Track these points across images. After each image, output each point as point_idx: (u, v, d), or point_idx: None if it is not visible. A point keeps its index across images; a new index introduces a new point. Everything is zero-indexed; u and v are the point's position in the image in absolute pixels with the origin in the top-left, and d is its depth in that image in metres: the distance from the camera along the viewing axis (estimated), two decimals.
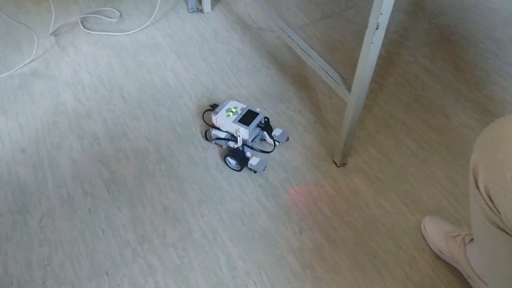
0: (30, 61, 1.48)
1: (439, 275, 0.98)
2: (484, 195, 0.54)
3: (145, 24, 1.62)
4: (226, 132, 1.17)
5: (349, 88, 1.00)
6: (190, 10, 1.69)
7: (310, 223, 1.07)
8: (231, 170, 1.17)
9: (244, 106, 1.17)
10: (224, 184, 1.15)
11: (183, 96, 1.38)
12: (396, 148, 1.24)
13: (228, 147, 1.19)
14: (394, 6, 0.93)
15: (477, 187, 0.55)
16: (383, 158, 1.21)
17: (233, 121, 1.13)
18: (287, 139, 1.20)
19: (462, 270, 0.94)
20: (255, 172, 1.15)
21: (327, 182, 1.16)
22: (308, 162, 1.20)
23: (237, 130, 1.12)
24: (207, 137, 1.24)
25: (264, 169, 1.13)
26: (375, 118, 1.32)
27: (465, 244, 0.92)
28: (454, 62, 1.51)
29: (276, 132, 1.20)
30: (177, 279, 0.97)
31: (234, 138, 1.16)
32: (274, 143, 1.18)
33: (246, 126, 1.11)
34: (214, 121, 1.18)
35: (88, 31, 1.60)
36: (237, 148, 1.15)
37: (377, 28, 0.83)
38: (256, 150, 1.17)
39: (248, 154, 1.15)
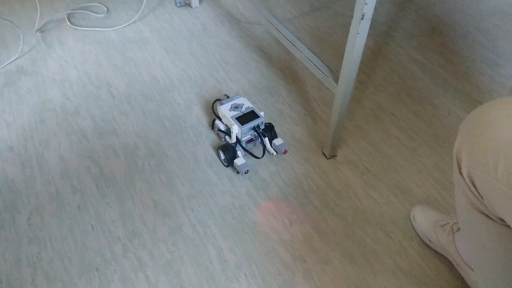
0: (16, 58, 1.46)
1: (428, 264, 0.99)
2: (468, 181, 0.54)
3: (133, 19, 1.60)
4: (225, 125, 1.17)
5: (336, 80, 1.00)
6: (178, 5, 1.67)
7: (300, 215, 1.07)
8: (221, 164, 1.17)
9: (250, 105, 1.16)
10: (214, 178, 1.15)
11: (172, 91, 1.37)
12: (385, 139, 1.24)
13: (225, 140, 1.19)
14: None
15: (461, 173, 0.56)
16: (372, 149, 1.22)
17: (231, 116, 1.13)
18: (285, 151, 1.16)
19: (450, 258, 0.95)
20: (238, 172, 1.14)
21: (316, 174, 1.16)
22: (298, 155, 1.20)
23: (231, 126, 1.11)
24: (213, 125, 1.23)
25: (245, 172, 1.12)
26: (364, 110, 1.33)
27: (453, 233, 0.92)
28: (442, 53, 1.51)
29: (277, 141, 1.17)
30: (168, 273, 0.97)
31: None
32: (272, 151, 1.16)
33: (240, 125, 1.10)
34: (218, 111, 1.18)
35: (75, 27, 1.58)
36: (231, 144, 1.14)
37: (362, 18, 0.83)
38: (248, 152, 1.15)
39: (239, 153, 1.14)
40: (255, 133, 1.14)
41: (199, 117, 1.29)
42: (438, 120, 1.30)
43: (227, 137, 1.17)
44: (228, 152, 1.12)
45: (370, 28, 0.81)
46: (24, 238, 1.03)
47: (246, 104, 1.16)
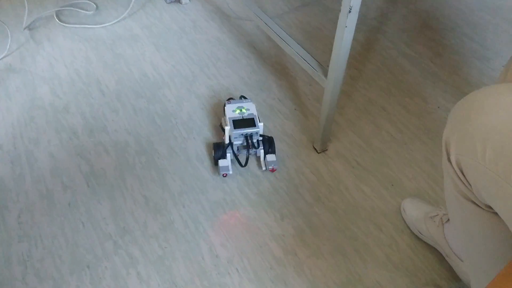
0: (4, 56, 1.45)
1: (419, 256, 1.00)
2: (456, 168, 0.55)
3: (122, 16, 1.60)
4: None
5: (325, 73, 1.00)
6: (168, 1, 1.67)
7: (291, 210, 1.08)
8: (212, 159, 1.17)
9: (255, 113, 1.12)
10: (205, 174, 1.14)
11: (162, 88, 1.37)
12: (376, 133, 1.25)
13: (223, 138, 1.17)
14: None
15: (449, 160, 0.56)
16: (363, 143, 1.22)
17: (230, 117, 1.11)
18: (272, 170, 1.12)
19: (440, 250, 0.96)
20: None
21: (308, 168, 1.16)
22: (289, 149, 1.20)
23: (225, 126, 1.10)
24: (221, 122, 1.22)
25: (223, 175, 1.11)
26: (355, 104, 1.33)
27: (443, 224, 0.93)
28: (432, 47, 1.52)
29: (270, 157, 1.13)
30: (159, 269, 0.97)
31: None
32: (263, 165, 1.14)
33: (233, 128, 1.09)
34: (224, 108, 1.17)
35: (64, 24, 1.57)
36: (224, 143, 1.13)
37: (350, 11, 0.83)
38: (235, 156, 1.12)
39: (228, 155, 1.13)
40: (243, 139, 1.10)
41: (190, 113, 1.29)
42: (428, 113, 1.30)
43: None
44: (218, 150, 1.12)
45: (360, 23, 0.82)
46: (14, 236, 1.02)
47: (251, 111, 1.13)
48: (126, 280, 0.95)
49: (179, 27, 1.58)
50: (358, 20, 0.88)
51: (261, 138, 1.13)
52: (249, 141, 1.10)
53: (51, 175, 1.14)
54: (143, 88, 1.36)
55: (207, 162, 1.17)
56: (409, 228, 1.04)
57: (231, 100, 1.17)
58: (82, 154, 1.19)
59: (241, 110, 1.13)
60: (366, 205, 1.09)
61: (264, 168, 1.14)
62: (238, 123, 1.10)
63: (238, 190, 1.11)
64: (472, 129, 0.51)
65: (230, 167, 1.12)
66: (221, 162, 1.12)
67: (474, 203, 0.57)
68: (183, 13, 1.64)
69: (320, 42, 1.52)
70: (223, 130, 1.13)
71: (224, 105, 1.16)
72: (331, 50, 0.95)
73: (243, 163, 1.12)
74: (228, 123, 1.10)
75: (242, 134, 1.09)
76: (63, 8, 1.63)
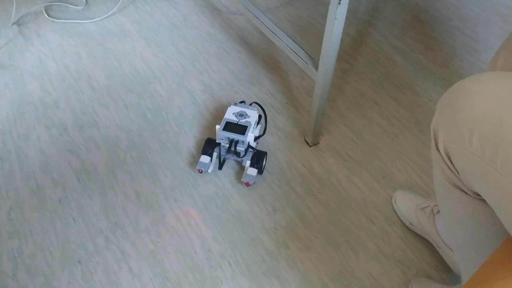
0: None
1: (410, 247, 1.00)
2: (444, 156, 0.55)
3: (112, 11, 1.58)
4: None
5: (316, 66, 1.00)
6: None
7: (283, 203, 1.08)
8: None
9: (252, 123, 1.09)
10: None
11: (153, 83, 1.36)
12: (367, 126, 1.25)
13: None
14: None
15: (438, 148, 0.56)
16: (354, 136, 1.23)
17: (226, 118, 1.10)
18: (247, 184, 1.07)
19: (431, 240, 0.96)
20: None
21: (299, 162, 1.16)
22: (281, 143, 1.20)
23: (217, 125, 1.10)
24: None
25: (199, 171, 1.10)
26: (346, 98, 1.33)
27: (433, 215, 0.94)
28: (423, 40, 1.53)
29: (250, 170, 1.08)
30: (151, 264, 0.97)
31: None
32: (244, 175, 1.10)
33: (222, 128, 1.08)
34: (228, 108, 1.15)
35: (53, 19, 1.55)
36: (215, 141, 1.13)
37: (339, 3, 0.83)
38: (218, 156, 1.11)
39: (215, 154, 1.12)
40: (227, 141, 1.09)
41: (181, 108, 1.28)
42: (419, 106, 1.31)
43: None
44: (208, 145, 1.12)
45: (351, 17, 0.81)
46: (4, 232, 1.01)
47: (251, 119, 1.10)
48: (118, 275, 0.95)
49: (170, 22, 1.57)
50: (349, 13, 0.88)
51: (252, 150, 1.10)
52: (232, 147, 1.08)
53: (42, 171, 1.13)
54: (134, 83, 1.36)
55: (198, 157, 1.16)
56: (400, 220, 1.04)
57: (239, 104, 1.15)
58: (73, 150, 1.18)
59: (240, 115, 1.11)
60: (358, 198, 1.09)
61: (242, 179, 1.10)
62: (230, 126, 1.09)
63: (230, 184, 1.11)
64: (459, 116, 0.51)
65: (209, 165, 1.10)
66: (202, 158, 1.11)
67: (463, 190, 0.57)
68: (174, 8, 1.63)
69: (311, 36, 1.52)
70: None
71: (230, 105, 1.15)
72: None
73: (219, 167, 1.12)
74: (223, 121, 1.10)
75: (228, 138, 1.08)
76: (52, 3, 1.61)
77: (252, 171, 1.08)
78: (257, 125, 1.15)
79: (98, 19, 1.56)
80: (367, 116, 1.28)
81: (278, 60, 1.44)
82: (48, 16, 1.56)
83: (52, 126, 1.23)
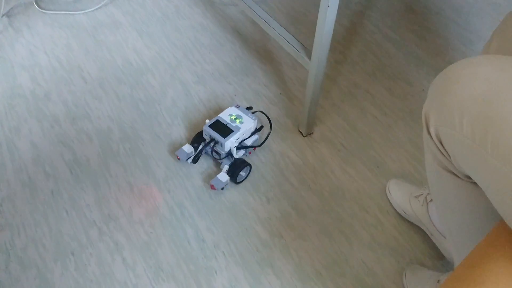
0: None
1: (404, 235, 1.01)
2: (435, 139, 0.55)
3: (103, 2, 1.56)
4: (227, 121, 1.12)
5: (309, 55, 1.00)
6: None
7: (277, 193, 1.08)
8: None
9: (242, 130, 1.06)
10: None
11: (146, 74, 1.35)
12: (361, 116, 1.25)
13: None
14: None
15: (429, 133, 0.56)
16: (348, 126, 1.23)
17: (219, 116, 1.09)
18: (212, 187, 1.04)
19: (425, 228, 0.97)
20: None
21: (293, 152, 1.16)
22: (274, 134, 1.20)
23: (207, 120, 1.09)
24: None
25: (177, 158, 1.10)
26: (340, 88, 1.33)
27: (427, 203, 0.94)
28: (416, 31, 1.52)
29: (221, 176, 1.05)
30: (145, 254, 0.96)
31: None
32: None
33: (208, 125, 1.07)
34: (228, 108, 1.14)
35: (44, 10, 1.53)
36: (204, 134, 1.12)
37: None
38: (198, 150, 1.08)
39: (201, 146, 1.09)
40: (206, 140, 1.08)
41: (174, 99, 1.28)
42: (413, 96, 1.31)
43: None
44: (196, 137, 1.11)
45: (344, 7, 0.80)
46: None
47: (243, 126, 1.07)
48: (111, 266, 0.95)
49: (162, 13, 1.55)
50: (342, 4, 0.88)
51: (233, 157, 1.07)
52: (211, 145, 1.06)
53: (33, 164, 1.12)
54: (126, 75, 1.34)
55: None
56: (394, 208, 1.04)
57: (241, 108, 1.12)
58: (65, 142, 1.17)
59: (235, 119, 1.09)
60: (352, 187, 1.09)
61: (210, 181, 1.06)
62: (217, 125, 1.07)
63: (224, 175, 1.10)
64: (449, 99, 0.51)
65: (189, 156, 1.08)
66: (185, 146, 1.10)
67: (454, 174, 0.58)
68: None
69: (304, 27, 1.51)
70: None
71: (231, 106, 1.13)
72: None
73: (195, 161, 1.09)
74: (213, 119, 1.09)
75: (210, 136, 1.07)
76: None
77: (223, 177, 1.05)
78: (253, 134, 1.11)
79: (89, 10, 1.54)
80: (361, 106, 1.28)
81: (271, 51, 1.43)
82: (38, 7, 1.54)
83: (43, 118, 1.22)
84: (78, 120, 1.22)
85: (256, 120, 1.10)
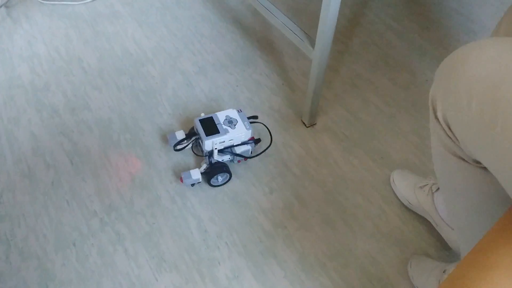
0: None
1: (408, 225, 1.00)
2: (443, 124, 0.54)
3: None
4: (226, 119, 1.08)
5: (312, 44, 0.99)
6: None
7: (280, 183, 1.06)
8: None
9: (232, 137, 1.02)
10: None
11: (146, 65, 1.33)
12: (364, 106, 1.24)
13: None
14: None
15: (436, 118, 0.55)
16: (351, 116, 1.21)
17: (215, 113, 1.06)
18: (180, 179, 1.02)
19: (430, 219, 0.96)
20: None
21: (296, 142, 1.15)
22: (277, 124, 1.19)
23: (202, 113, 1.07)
24: None
25: (170, 145, 1.08)
26: (342, 79, 1.32)
27: (432, 193, 0.93)
28: (419, 21, 1.51)
29: (193, 172, 1.02)
30: (147, 245, 0.95)
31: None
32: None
33: (198, 118, 1.04)
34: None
35: (42, 1, 1.51)
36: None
37: None
38: (187, 141, 1.08)
39: (194, 137, 1.08)
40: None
41: (175, 89, 1.26)
42: (416, 86, 1.30)
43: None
44: (191, 128, 1.10)
45: None
46: None
47: (233, 132, 1.02)
48: (113, 256, 0.94)
49: (161, 3, 1.53)
50: None
51: (215, 159, 1.04)
52: (193, 139, 1.06)
53: (33, 154, 1.11)
54: (126, 65, 1.33)
55: None
56: (398, 199, 1.03)
57: (242, 113, 1.07)
58: (65, 132, 1.16)
59: (229, 122, 1.04)
60: (355, 177, 1.08)
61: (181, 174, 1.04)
62: (207, 122, 1.03)
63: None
64: (456, 82, 0.50)
65: (177, 141, 1.06)
66: (179, 132, 1.09)
67: (462, 159, 0.56)
68: None
69: (306, 17, 1.50)
70: None
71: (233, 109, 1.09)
72: (317, 25, 0.93)
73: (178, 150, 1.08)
74: (208, 114, 1.06)
75: (195, 130, 1.05)
76: None
77: (195, 173, 1.01)
78: (245, 144, 1.05)
79: (88, 0, 1.52)
80: (364, 97, 1.26)
81: (273, 41, 1.42)
82: None
83: (43, 109, 1.21)
84: (78, 111, 1.21)
85: (251, 131, 1.04)
